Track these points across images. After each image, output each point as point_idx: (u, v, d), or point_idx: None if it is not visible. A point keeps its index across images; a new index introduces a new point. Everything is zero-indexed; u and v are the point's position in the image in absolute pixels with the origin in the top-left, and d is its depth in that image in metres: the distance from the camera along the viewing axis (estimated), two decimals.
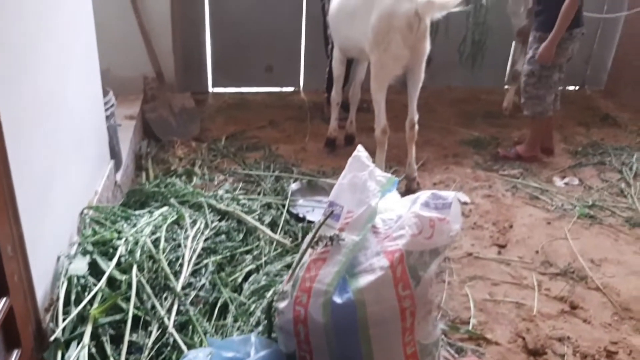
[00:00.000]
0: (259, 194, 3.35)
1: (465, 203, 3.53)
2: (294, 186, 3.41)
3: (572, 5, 3.60)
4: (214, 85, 5.22)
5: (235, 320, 2.14)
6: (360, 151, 2.02)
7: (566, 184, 3.87)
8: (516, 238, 3.17)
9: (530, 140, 4.15)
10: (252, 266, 2.49)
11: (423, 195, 1.87)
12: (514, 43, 4.95)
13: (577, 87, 5.60)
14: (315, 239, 1.86)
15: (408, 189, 3.61)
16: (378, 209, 1.86)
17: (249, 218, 2.79)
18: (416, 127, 3.51)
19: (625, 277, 2.86)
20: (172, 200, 2.83)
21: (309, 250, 1.88)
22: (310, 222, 2.94)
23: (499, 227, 3.28)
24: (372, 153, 3.87)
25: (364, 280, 1.75)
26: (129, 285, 2.06)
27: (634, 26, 5.12)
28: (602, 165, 4.12)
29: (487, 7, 4.36)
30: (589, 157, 4.26)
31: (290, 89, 5.34)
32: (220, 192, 3.11)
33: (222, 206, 2.83)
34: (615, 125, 4.90)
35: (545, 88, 3.89)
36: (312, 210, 3.17)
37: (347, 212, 1.90)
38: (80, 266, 2.06)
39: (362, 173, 1.93)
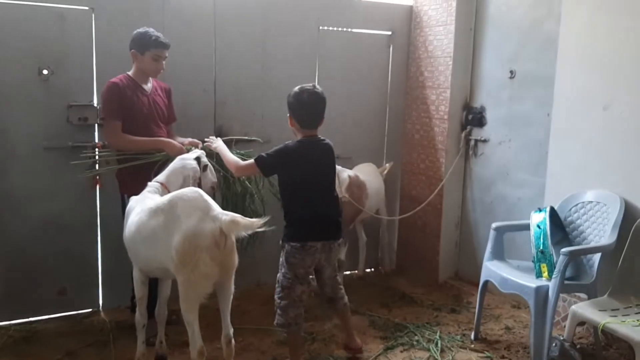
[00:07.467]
0: None
1: None
2: None
3: (242, 168, 3.83)
4: None
5: None
6: None
7: None
8: None
9: (289, 355, 3.90)
10: None
11: None
12: None
13: (372, 269, 6.03)
14: None
15: None
16: None
17: None
18: (233, 342, 3.37)
19: None
20: None
21: None
22: None
23: None
24: None
25: None
26: None
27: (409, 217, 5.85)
28: (410, 347, 4.33)
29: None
30: (397, 339, 4.44)
31: (88, 310, 4.85)
32: None
33: None
34: (413, 303, 5.30)
35: (288, 299, 3.74)
36: None
37: None
38: None
39: None
